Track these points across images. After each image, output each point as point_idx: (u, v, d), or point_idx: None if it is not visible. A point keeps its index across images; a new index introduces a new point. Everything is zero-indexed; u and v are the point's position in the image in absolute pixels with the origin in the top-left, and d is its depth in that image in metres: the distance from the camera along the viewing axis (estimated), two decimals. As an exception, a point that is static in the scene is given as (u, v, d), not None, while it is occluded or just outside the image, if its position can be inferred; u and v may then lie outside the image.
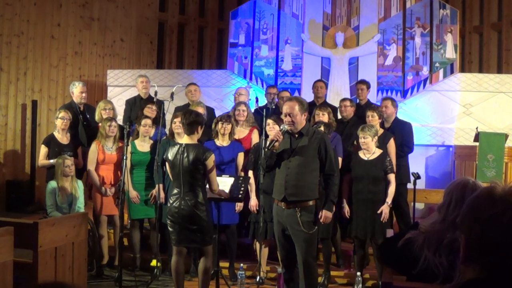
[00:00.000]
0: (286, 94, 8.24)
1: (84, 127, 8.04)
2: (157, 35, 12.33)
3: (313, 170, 5.34)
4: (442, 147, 9.52)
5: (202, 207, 5.49)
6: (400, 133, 7.34)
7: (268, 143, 5.32)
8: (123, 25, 11.73)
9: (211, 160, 5.51)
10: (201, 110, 7.25)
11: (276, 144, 5.26)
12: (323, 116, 6.92)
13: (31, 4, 10.53)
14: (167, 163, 5.70)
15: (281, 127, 5.34)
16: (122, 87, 10.48)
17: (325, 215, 5.37)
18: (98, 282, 6.79)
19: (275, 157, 5.33)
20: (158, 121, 7.38)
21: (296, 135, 5.36)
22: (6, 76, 10.31)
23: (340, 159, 6.72)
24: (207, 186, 5.64)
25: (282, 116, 5.43)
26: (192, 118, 5.58)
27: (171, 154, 5.57)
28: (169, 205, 5.64)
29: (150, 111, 7.48)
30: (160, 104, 7.61)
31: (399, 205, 7.11)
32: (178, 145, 5.60)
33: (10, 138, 10.36)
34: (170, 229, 5.65)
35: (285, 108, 5.34)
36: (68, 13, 11.02)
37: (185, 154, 5.47)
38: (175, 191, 5.57)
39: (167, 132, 7.31)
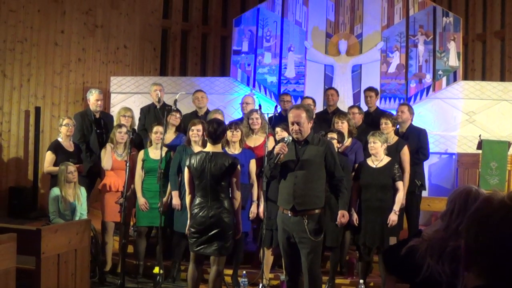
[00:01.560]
0: (309, 101, 8.07)
1: (97, 134, 8.04)
2: (161, 42, 12.37)
3: (320, 178, 5.34)
4: (445, 154, 9.51)
5: (229, 214, 5.52)
6: (415, 140, 7.31)
7: (274, 157, 5.27)
8: (127, 32, 11.76)
9: (238, 168, 5.57)
10: (220, 116, 7.28)
11: (282, 157, 5.24)
12: (343, 124, 6.90)
13: (35, 11, 10.58)
14: (188, 171, 5.64)
15: (285, 139, 5.30)
16: (125, 94, 10.49)
17: (344, 214, 5.47)
18: (101, 289, 6.79)
19: (279, 167, 5.31)
20: (180, 128, 7.47)
21: (302, 143, 5.34)
22: (10, 82, 10.34)
23: None
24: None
25: (290, 125, 5.40)
26: (221, 128, 5.64)
27: (195, 162, 5.55)
28: (193, 214, 5.56)
29: (174, 118, 7.47)
30: (169, 111, 7.56)
31: (411, 212, 7.10)
32: (204, 153, 5.57)
33: (13, 144, 10.38)
34: (193, 237, 5.58)
35: (292, 116, 5.29)
36: (71, 20, 11.06)
37: (214, 162, 5.47)
38: (200, 200, 5.54)
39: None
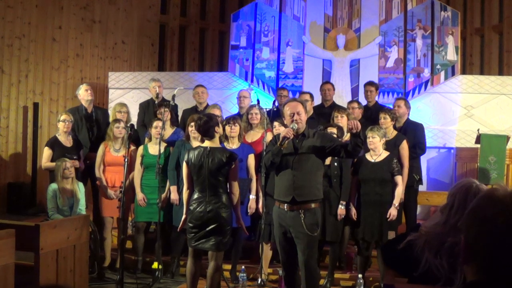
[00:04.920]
0: (306, 96, 8.08)
1: (88, 129, 8.05)
2: (159, 37, 12.34)
3: (318, 170, 5.36)
4: (443, 149, 9.51)
5: (227, 210, 5.51)
6: (412, 134, 7.31)
7: (280, 140, 5.20)
8: (124, 27, 11.74)
9: (236, 163, 5.56)
10: (217, 112, 7.28)
11: (286, 143, 5.21)
12: (342, 119, 6.89)
13: (33, 7, 10.55)
14: (186, 166, 5.62)
15: (292, 126, 5.25)
16: (123, 90, 10.47)
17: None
18: (100, 284, 6.78)
19: (280, 155, 5.26)
20: (174, 123, 7.47)
21: (299, 136, 5.33)
22: (8, 78, 10.32)
23: None
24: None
25: (287, 116, 5.33)
26: (205, 125, 5.57)
27: (194, 157, 5.54)
28: (191, 209, 5.54)
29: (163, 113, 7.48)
30: (168, 105, 7.58)
31: (409, 206, 7.10)
32: (202, 148, 5.56)
33: (12, 140, 10.36)
34: (191, 232, 5.56)
35: (290, 108, 5.29)
36: (69, 16, 11.03)
37: (211, 158, 5.46)
38: (198, 195, 5.53)
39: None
